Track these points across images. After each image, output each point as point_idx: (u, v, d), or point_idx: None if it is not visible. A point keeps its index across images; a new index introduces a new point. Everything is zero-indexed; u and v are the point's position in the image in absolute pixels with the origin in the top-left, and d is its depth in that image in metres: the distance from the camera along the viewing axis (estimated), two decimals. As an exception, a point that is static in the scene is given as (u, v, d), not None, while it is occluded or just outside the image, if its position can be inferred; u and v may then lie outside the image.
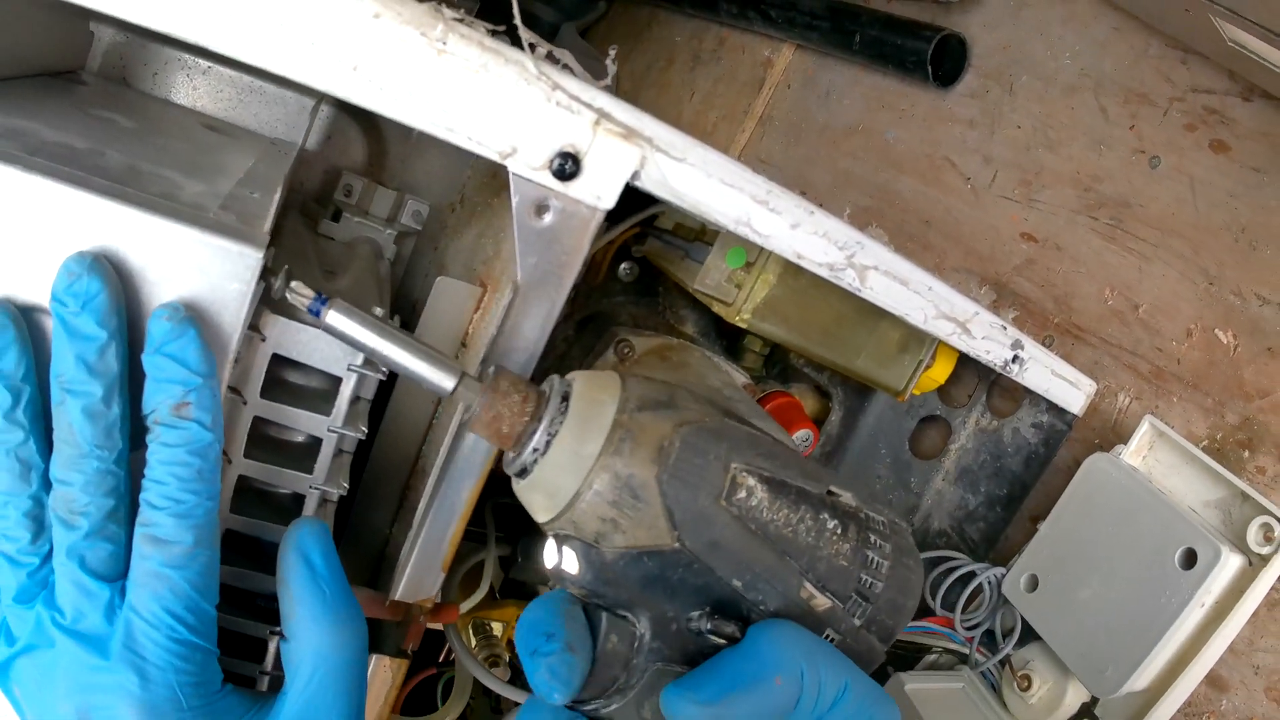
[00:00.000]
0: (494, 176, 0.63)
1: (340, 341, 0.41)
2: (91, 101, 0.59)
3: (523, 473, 0.35)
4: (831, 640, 0.37)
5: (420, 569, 0.44)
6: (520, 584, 0.58)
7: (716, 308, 0.53)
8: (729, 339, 0.68)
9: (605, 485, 0.33)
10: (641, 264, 0.64)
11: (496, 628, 0.61)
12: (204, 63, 0.72)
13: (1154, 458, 0.69)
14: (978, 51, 0.99)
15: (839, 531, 0.36)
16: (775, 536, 0.35)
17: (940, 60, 0.97)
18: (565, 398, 0.36)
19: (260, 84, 0.73)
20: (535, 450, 0.35)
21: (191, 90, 0.73)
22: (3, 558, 0.35)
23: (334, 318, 0.36)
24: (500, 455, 0.38)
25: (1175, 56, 0.83)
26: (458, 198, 0.71)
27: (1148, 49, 0.85)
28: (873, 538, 0.37)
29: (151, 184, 0.41)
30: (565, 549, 0.35)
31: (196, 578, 0.35)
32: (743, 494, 0.35)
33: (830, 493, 0.37)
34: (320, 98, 0.71)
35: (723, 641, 0.36)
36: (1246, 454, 0.70)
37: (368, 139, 0.74)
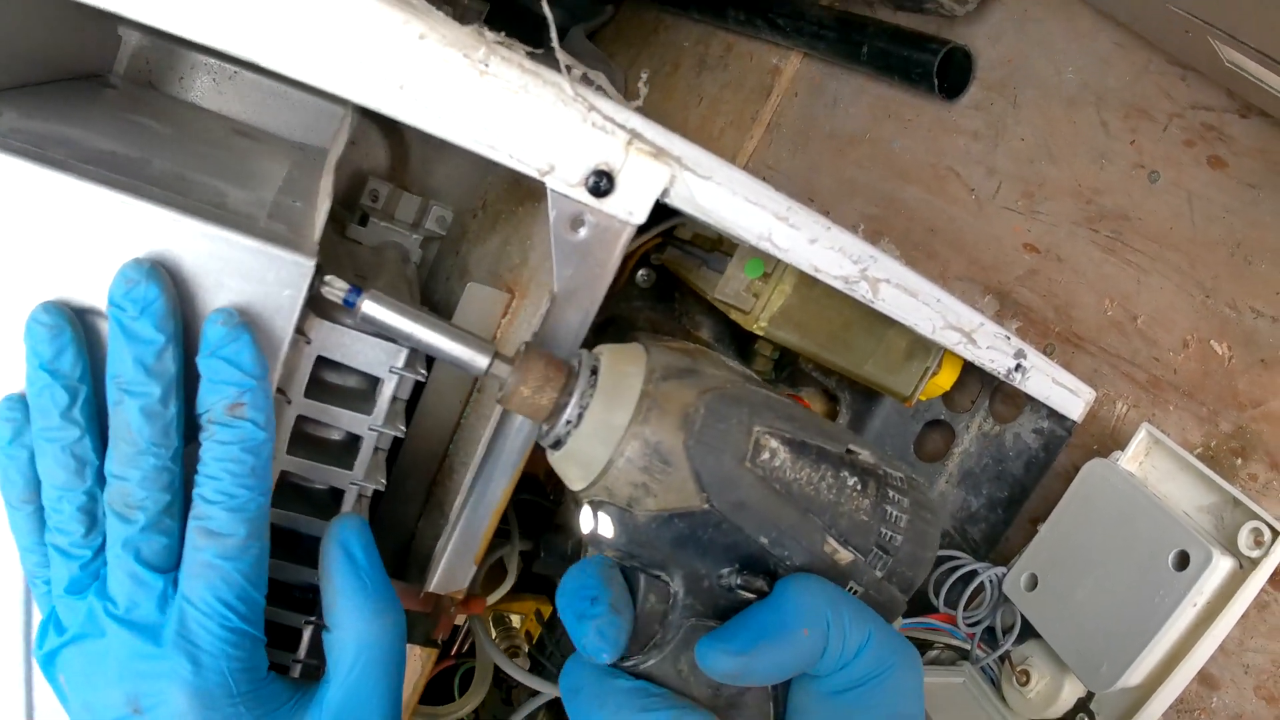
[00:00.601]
0: (517, 185, 0.64)
1: (381, 341, 0.43)
2: (125, 106, 0.60)
3: (557, 444, 0.37)
4: (855, 592, 0.38)
5: (454, 562, 0.46)
6: (541, 578, 0.60)
7: (734, 315, 0.56)
8: (740, 344, 0.71)
9: (636, 452, 0.35)
10: (659, 271, 0.66)
11: (515, 620, 0.63)
12: (230, 68, 0.73)
13: (1150, 464, 0.72)
14: (982, 64, 1.02)
15: (858, 488, 0.38)
16: (798, 494, 0.37)
17: (946, 72, 0.99)
18: (594, 371, 0.37)
19: (285, 89, 0.74)
20: (568, 423, 0.36)
21: (217, 95, 0.74)
22: (55, 550, 0.37)
23: (370, 307, 0.37)
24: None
25: (1175, 73, 0.85)
26: (479, 204, 0.73)
27: (1148, 65, 0.87)
28: (891, 493, 0.39)
29: (200, 192, 0.43)
30: (600, 514, 0.36)
31: (248, 569, 0.37)
32: (765, 455, 0.36)
33: (849, 451, 0.39)
34: (350, 106, 0.72)
35: (752, 596, 0.37)
36: (1239, 461, 0.73)
37: (390, 144, 0.75)
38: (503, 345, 0.52)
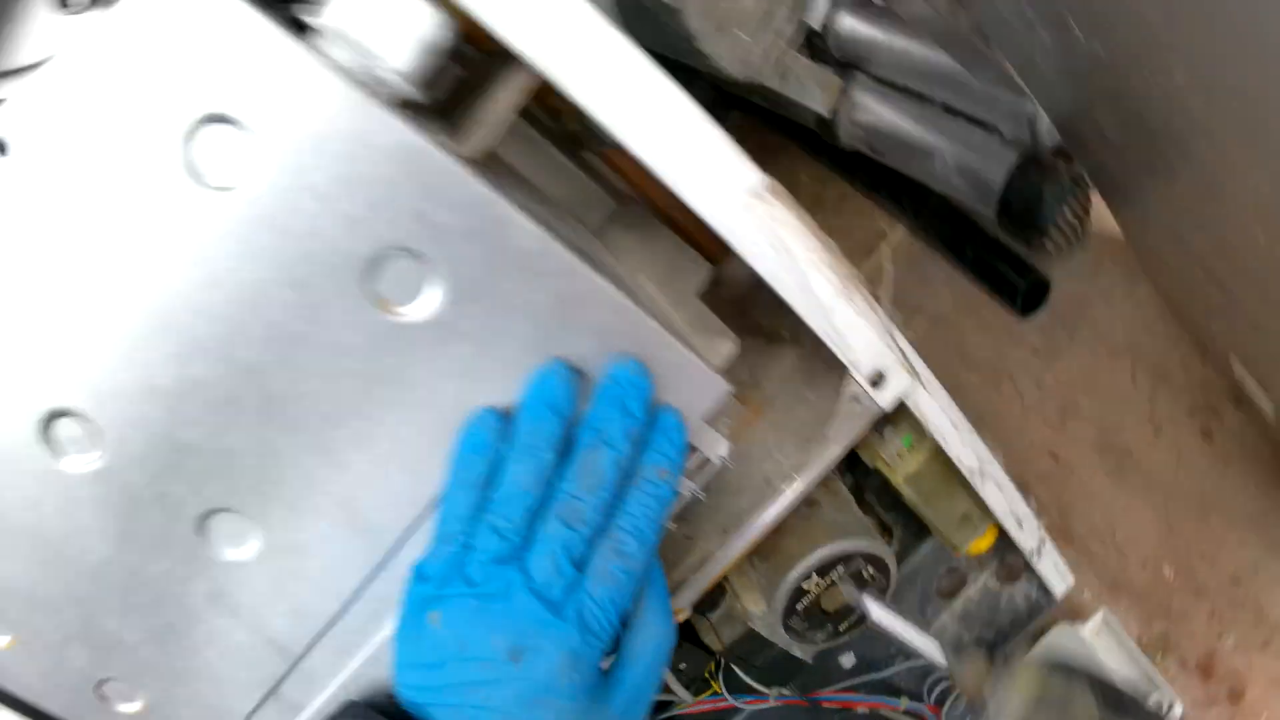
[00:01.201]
0: (743, 315, 0.86)
1: (718, 434, 0.62)
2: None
3: (979, 714, 0.62)
4: None
5: (690, 594, 0.67)
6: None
7: (881, 467, 0.78)
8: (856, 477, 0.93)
9: None
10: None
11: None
12: (531, 131, 0.77)
13: (1099, 638, 0.96)
14: (1055, 294, 1.17)
15: None
16: None
17: (1029, 294, 1.15)
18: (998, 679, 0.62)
19: (565, 162, 0.79)
20: (991, 711, 0.61)
21: (512, 153, 0.74)
22: (493, 529, 0.45)
23: (875, 611, 0.63)
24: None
25: (1197, 354, 1.06)
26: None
27: (1180, 341, 1.07)
28: None
29: (633, 289, 0.54)
30: None
31: (634, 583, 0.47)
32: None
33: None
34: (613, 209, 0.88)
35: None
36: (1160, 655, 0.98)
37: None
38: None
